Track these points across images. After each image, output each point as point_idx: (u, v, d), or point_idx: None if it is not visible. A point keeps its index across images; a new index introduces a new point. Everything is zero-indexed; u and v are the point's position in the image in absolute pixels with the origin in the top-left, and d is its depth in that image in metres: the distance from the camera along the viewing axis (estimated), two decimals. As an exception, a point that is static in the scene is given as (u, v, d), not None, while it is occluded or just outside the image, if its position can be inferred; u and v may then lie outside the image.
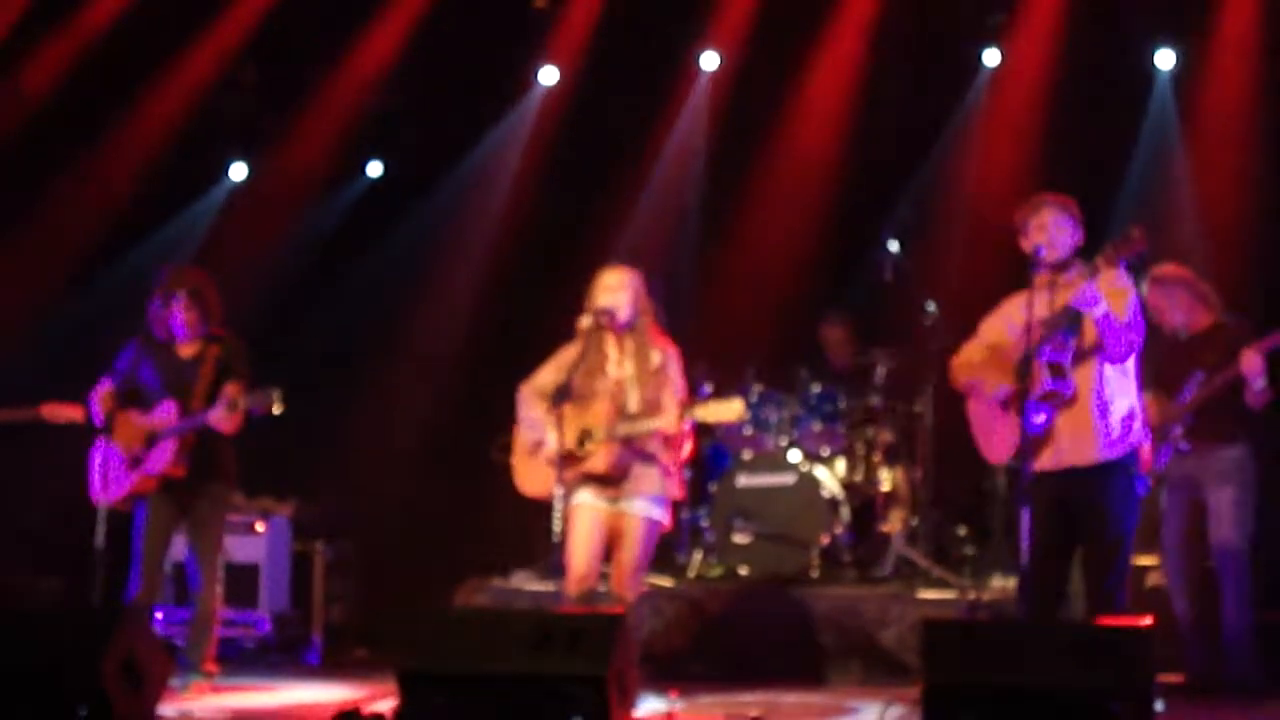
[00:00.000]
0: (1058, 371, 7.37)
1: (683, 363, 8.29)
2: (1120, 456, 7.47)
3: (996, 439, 7.71)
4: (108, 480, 8.71)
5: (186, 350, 8.93)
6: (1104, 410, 7.42)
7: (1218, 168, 10.82)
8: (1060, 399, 7.40)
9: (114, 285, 11.44)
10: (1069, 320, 7.35)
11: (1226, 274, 9.33)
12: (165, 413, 8.76)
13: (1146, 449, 7.82)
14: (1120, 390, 7.48)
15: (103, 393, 8.89)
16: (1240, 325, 8.66)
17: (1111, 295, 7.36)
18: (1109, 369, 7.45)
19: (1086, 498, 7.45)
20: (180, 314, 8.87)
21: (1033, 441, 7.38)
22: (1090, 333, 7.38)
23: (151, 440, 8.76)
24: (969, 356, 7.86)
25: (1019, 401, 7.39)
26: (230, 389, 8.71)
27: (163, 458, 8.72)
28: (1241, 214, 10.57)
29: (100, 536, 8.48)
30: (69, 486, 9.11)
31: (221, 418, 8.62)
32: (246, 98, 12.37)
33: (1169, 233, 10.58)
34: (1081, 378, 7.42)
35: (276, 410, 8.53)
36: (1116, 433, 7.44)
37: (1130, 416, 7.50)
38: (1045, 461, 7.45)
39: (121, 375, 8.93)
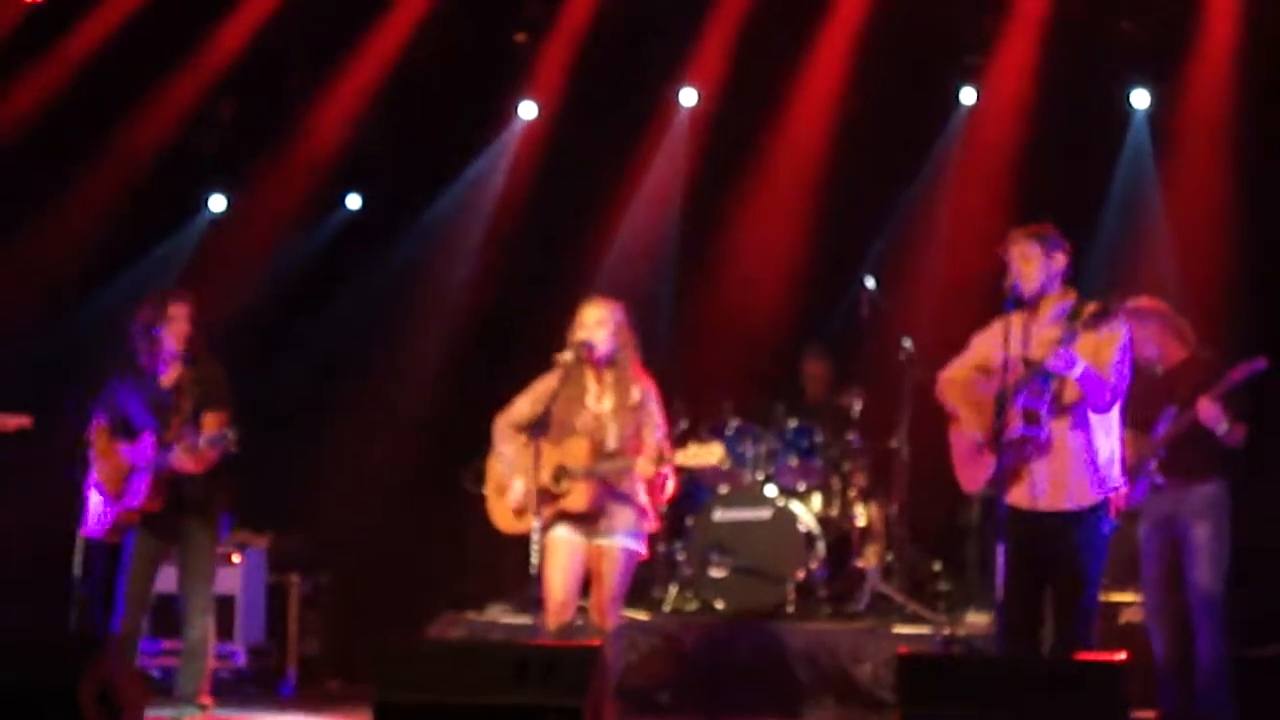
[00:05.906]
0: (1032, 418, 7.38)
1: (661, 398, 8.31)
2: (1093, 504, 7.48)
3: (972, 470, 7.72)
4: (95, 514, 8.76)
5: (168, 379, 8.88)
6: (1082, 459, 7.43)
7: (1193, 206, 10.88)
8: (1034, 444, 7.43)
9: (92, 317, 11.42)
10: (1045, 375, 7.38)
11: (1202, 311, 9.36)
12: (143, 446, 8.73)
13: (1122, 492, 7.82)
14: (1101, 436, 7.48)
15: (96, 428, 8.87)
16: (1212, 361, 8.64)
17: (1097, 346, 7.38)
18: (1091, 415, 7.46)
19: (1056, 541, 7.45)
20: (168, 338, 8.83)
21: (1007, 478, 7.42)
22: (1070, 387, 7.39)
23: (130, 474, 8.73)
24: (954, 375, 7.84)
25: (993, 440, 7.44)
26: (209, 420, 8.68)
27: (139, 493, 8.69)
28: (1216, 251, 10.62)
29: (77, 566, 8.47)
30: (44, 515, 9.07)
31: (181, 459, 8.59)
32: (225, 131, 12.36)
33: (1145, 269, 10.66)
34: (1060, 426, 7.43)
35: (233, 448, 8.53)
36: (1092, 481, 7.45)
37: (1109, 463, 7.50)
38: (1019, 498, 7.46)
39: (111, 409, 8.90)
